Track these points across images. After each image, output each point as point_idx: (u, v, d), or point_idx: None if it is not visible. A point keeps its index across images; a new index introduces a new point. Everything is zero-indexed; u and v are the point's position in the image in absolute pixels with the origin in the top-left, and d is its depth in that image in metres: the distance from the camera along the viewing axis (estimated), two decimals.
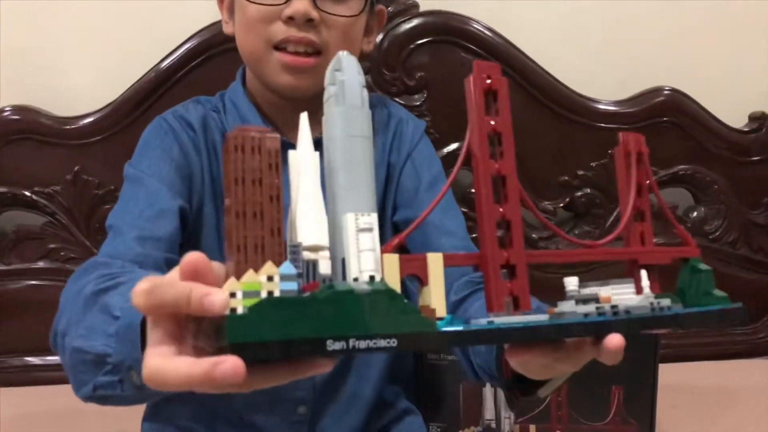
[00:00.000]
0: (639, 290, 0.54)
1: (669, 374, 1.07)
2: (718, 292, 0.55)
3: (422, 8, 1.22)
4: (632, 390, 1.00)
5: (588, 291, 0.51)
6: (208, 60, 1.19)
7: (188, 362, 0.39)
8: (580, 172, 1.29)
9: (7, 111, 1.19)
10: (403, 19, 1.21)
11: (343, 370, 0.89)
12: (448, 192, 0.93)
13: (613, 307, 0.49)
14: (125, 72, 1.20)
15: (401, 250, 0.93)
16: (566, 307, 0.49)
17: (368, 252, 0.43)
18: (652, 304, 0.51)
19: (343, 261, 0.44)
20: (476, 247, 0.92)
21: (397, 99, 1.22)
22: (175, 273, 0.43)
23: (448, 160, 1.25)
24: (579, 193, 1.29)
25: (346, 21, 0.82)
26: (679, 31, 1.33)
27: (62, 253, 1.24)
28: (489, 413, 0.99)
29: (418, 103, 1.23)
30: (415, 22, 1.21)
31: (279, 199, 0.42)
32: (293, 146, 0.86)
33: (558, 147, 1.27)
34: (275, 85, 0.83)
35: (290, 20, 0.79)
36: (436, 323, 0.44)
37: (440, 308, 0.46)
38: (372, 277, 0.43)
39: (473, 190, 1.27)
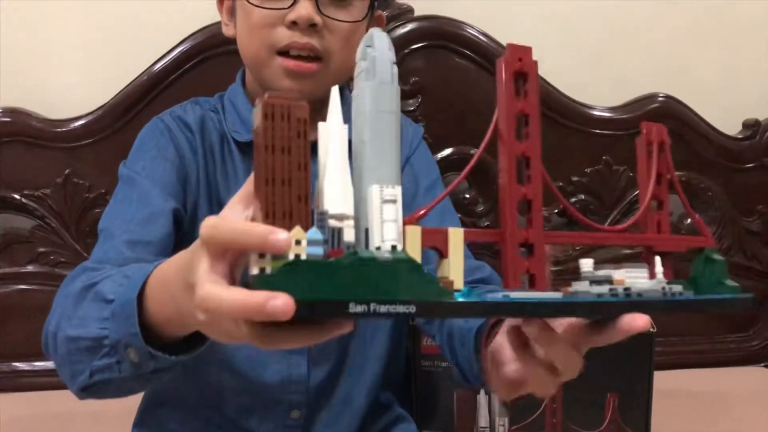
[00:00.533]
0: (653, 275, 0.55)
1: (664, 381, 1.07)
2: (730, 282, 0.56)
3: (417, 13, 1.21)
4: (627, 397, 1.00)
5: (602, 273, 0.51)
6: (201, 63, 1.18)
7: (244, 292, 0.40)
8: (575, 178, 1.28)
9: None
10: (397, 24, 1.20)
11: (336, 375, 0.89)
12: (446, 197, 0.93)
13: (626, 289, 0.50)
14: (117, 75, 1.18)
15: None
16: (580, 286, 0.50)
17: (391, 222, 0.45)
18: (664, 288, 0.52)
19: (367, 231, 0.46)
20: (472, 252, 0.91)
21: None
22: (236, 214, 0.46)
23: (443, 165, 1.24)
24: (573, 199, 1.29)
25: (349, 27, 0.82)
26: (674, 37, 1.33)
27: (52, 257, 1.22)
28: (483, 420, 0.99)
29: (412, 108, 1.22)
30: (409, 26, 1.20)
31: (307, 167, 0.43)
32: None
33: (552, 153, 1.25)
34: (277, 89, 0.82)
35: (293, 25, 0.79)
36: (454, 293, 0.45)
37: (458, 280, 0.47)
38: (394, 246, 0.44)
39: (467, 195, 1.28)
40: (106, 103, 1.18)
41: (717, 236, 1.32)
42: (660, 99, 1.27)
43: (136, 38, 1.23)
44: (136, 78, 1.18)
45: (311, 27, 0.79)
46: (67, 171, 1.19)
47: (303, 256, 0.41)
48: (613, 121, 1.27)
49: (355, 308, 0.41)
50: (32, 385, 1.25)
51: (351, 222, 0.45)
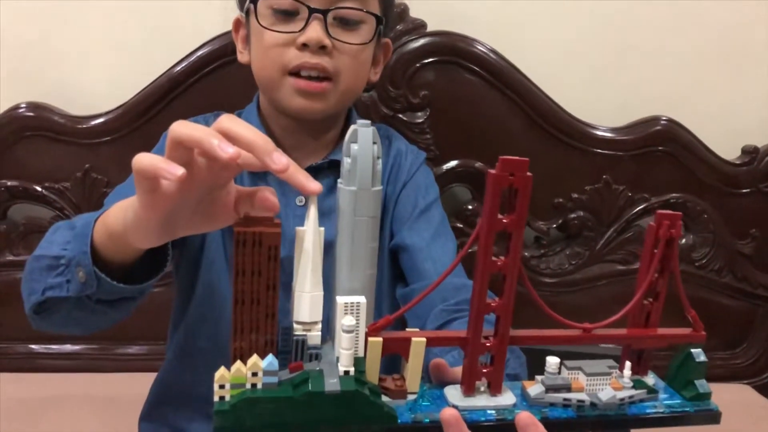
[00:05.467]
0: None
1: None
2: (702, 386, 0.53)
3: (430, 28, 1.19)
4: None
5: (564, 376, 0.50)
6: (220, 68, 1.17)
7: (159, 158, 0.47)
8: (575, 195, 1.26)
9: (22, 108, 1.16)
10: (410, 38, 1.18)
11: None
12: (441, 218, 0.92)
13: (580, 401, 0.49)
14: (139, 75, 1.17)
15: (395, 270, 0.91)
16: (535, 390, 0.49)
17: (346, 351, 0.45)
18: (622, 400, 0.50)
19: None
20: (464, 273, 0.89)
21: (400, 115, 1.20)
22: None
23: (448, 177, 1.23)
24: (572, 215, 1.27)
25: (356, 48, 0.82)
26: (679, 62, 1.30)
27: None
28: None
29: (420, 121, 1.20)
30: (422, 41, 1.18)
31: (276, 287, 0.45)
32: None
33: (554, 169, 1.24)
34: (289, 107, 0.83)
35: (304, 47, 0.80)
36: (397, 417, 0.46)
37: (413, 384, 0.49)
38: (347, 372, 0.45)
39: (470, 207, 1.26)
40: (126, 102, 1.17)
41: (710, 257, 1.30)
42: (662, 122, 1.24)
43: (159, 40, 1.22)
44: (156, 79, 1.16)
45: (321, 49, 0.80)
46: (86, 166, 1.18)
47: (259, 386, 0.43)
48: (615, 142, 1.24)
49: None
50: (46, 366, 1.26)
51: (318, 326, 0.46)
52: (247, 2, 0.83)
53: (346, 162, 0.50)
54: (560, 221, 1.27)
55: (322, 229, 0.47)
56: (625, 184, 1.26)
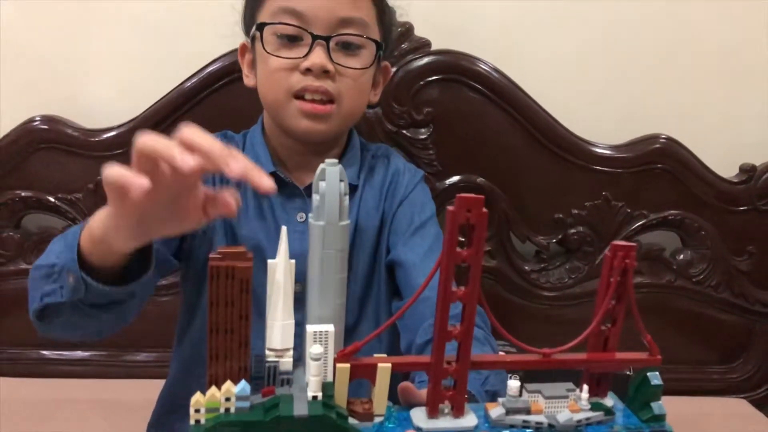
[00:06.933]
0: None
1: None
2: (658, 407, 0.53)
3: (434, 47, 1.21)
4: None
5: (524, 398, 0.52)
6: (229, 83, 1.19)
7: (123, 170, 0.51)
8: (575, 211, 1.27)
9: (37, 120, 1.19)
10: (415, 57, 1.20)
11: None
12: (436, 234, 0.93)
13: (539, 423, 0.51)
14: (150, 89, 1.20)
15: (392, 283, 0.91)
16: (496, 413, 0.51)
17: (315, 377, 0.47)
18: (579, 422, 0.51)
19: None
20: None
21: (404, 131, 1.21)
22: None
23: (450, 192, 1.24)
24: (572, 231, 1.28)
25: (358, 72, 0.85)
26: (677, 81, 1.32)
27: None
28: None
29: (423, 137, 1.22)
30: (426, 59, 1.20)
31: (248, 317, 0.47)
32: (297, 187, 0.86)
33: (555, 185, 1.26)
34: (295, 129, 0.86)
35: (308, 71, 0.82)
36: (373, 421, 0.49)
37: (379, 407, 0.50)
38: (315, 397, 0.47)
39: None
40: (137, 116, 1.19)
41: (707, 273, 1.31)
42: (661, 140, 1.25)
43: (170, 55, 1.24)
44: (167, 94, 1.19)
45: (324, 73, 0.82)
46: (98, 178, 1.20)
47: (232, 410, 0.45)
48: (615, 159, 1.25)
49: None
50: (57, 372, 1.28)
51: (290, 353, 0.48)
52: (253, 29, 0.85)
53: (315, 199, 0.53)
54: (560, 236, 1.29)
55: (293, 261, 0.49)
56: (624, 200, 1.27)
